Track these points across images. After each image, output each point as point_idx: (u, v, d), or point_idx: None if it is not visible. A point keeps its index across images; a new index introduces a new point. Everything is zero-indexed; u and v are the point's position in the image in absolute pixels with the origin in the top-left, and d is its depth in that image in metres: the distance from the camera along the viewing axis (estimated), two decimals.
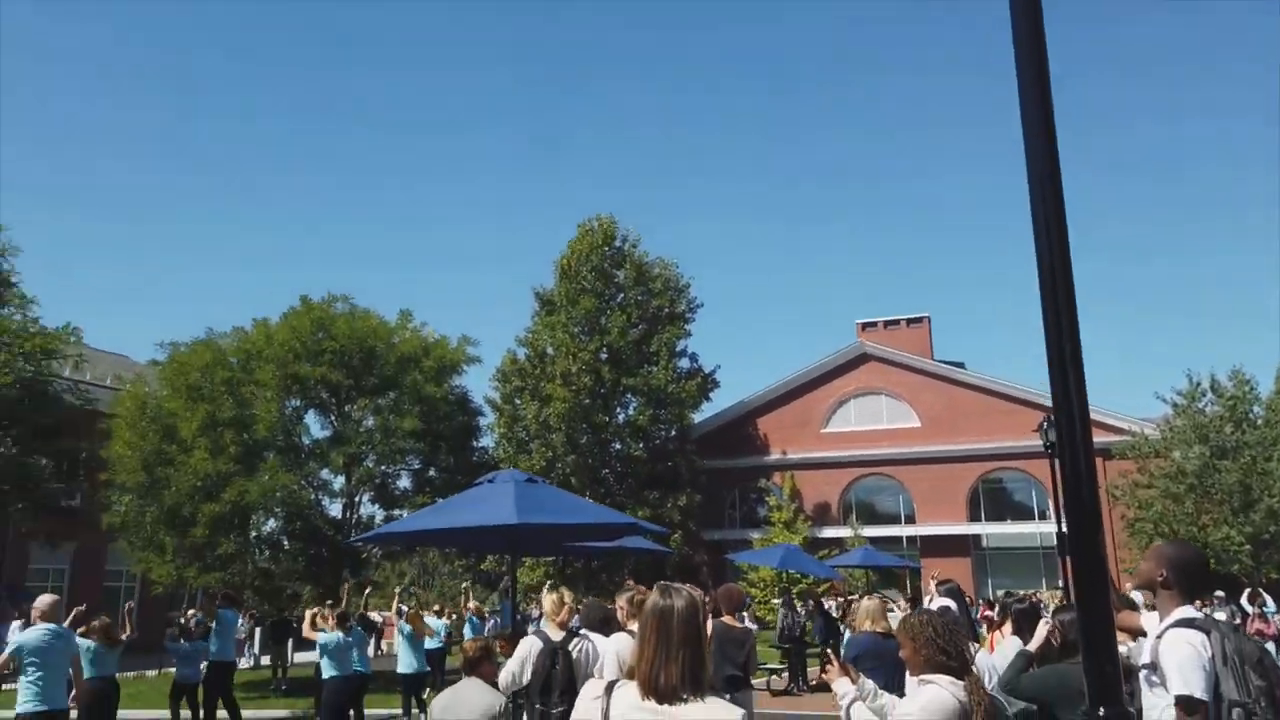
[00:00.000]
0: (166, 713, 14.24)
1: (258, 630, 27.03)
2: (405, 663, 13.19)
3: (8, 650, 7.64)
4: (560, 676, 5.45)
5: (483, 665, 6.01)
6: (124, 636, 10.23)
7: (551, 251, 48.29)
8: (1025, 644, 5.33)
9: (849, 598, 25.69)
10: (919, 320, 37.59)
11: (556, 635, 5.67)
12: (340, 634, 10.61)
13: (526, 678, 5.56)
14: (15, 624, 20.81)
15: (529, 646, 5.65)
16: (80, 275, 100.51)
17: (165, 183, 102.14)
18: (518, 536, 7.16)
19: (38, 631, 7.69)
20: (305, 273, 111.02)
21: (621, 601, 5.81)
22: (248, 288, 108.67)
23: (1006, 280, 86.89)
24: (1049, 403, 2.97)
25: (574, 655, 5.57)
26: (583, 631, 5.92)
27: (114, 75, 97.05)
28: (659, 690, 2.43)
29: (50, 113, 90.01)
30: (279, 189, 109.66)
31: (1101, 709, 2.72)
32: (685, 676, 2.44)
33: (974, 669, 3.52)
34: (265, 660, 25.29)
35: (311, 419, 21.17)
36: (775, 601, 21.00)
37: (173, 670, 13.52)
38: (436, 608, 21.88)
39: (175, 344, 20.20)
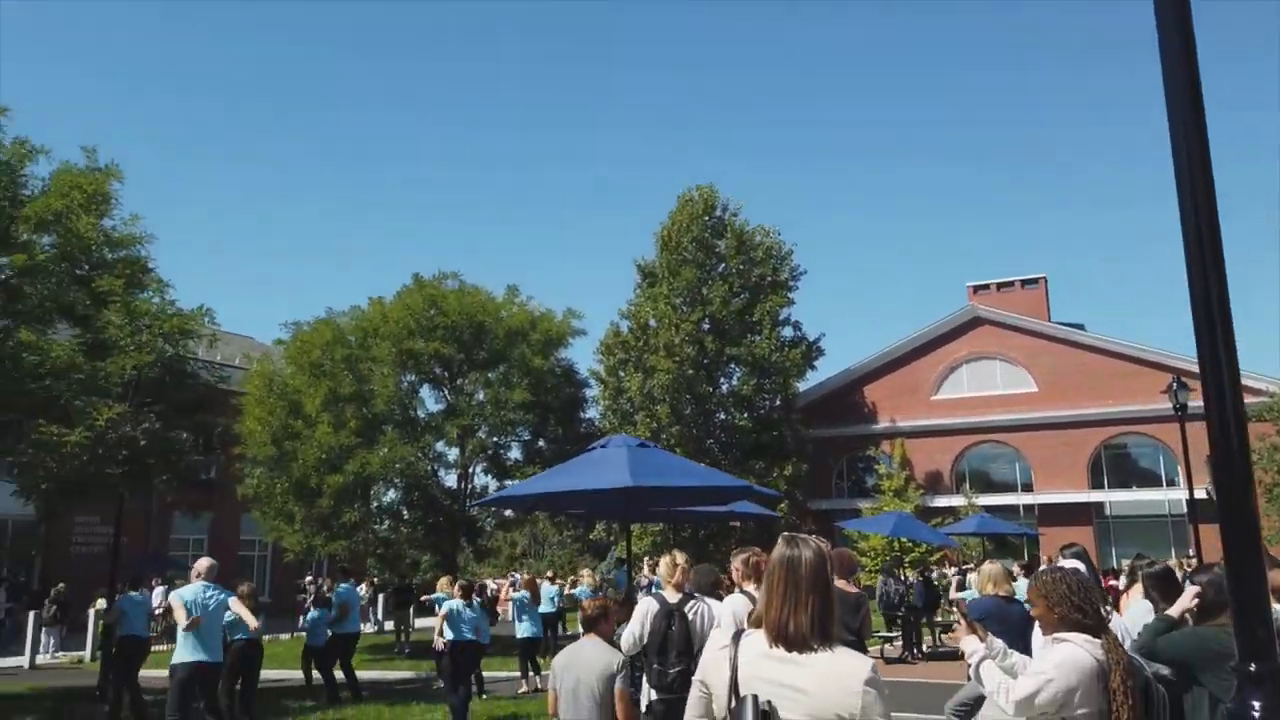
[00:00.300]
0: (299, 672, 15.15)
1: (380, 596, 28.26)
2: (523, 627, 13.68)
3: (175, 604, 8.20)
4: (677, 637, 5.51)
5: (601, 624, 6.14)
6: None
7: (653, 223, 48.26)
8: (1157, 608, 5.12)
9: (963, 566, 25.14)
10: (1034, 281, 36.15)
11: (673, 597, 5.73)
12: (463, 604, 11.08)
13: (645, 638, 5.64)
14: (158, 590, 22.38)
15: (646, 608, 5.74)
16: (208, 262, 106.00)
17: (284, 170, 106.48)
18: (631, 500, 7.25)
19: (195, 588, 8.25)
20: (416, 251, 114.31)
21: (737, 563, 5.83)
22: (363, 268, 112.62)
23: (1128, 237, 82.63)
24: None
25: (690, 617, 5.62)
26: (698, 594, 5.96)
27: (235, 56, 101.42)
28: (788, 638, 2.43)
29: (173, 104, 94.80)
30: (388, 168, 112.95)
31: (1253, 664, 2.61)
32: (814, 625, 2.43)
33: (1110, 628, 3.40)
34: (388, 625, 26.48)
35: (426, 393, 21.88)
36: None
37: (304, 634, 14.33)
38: (550, 574, 22.49)
39: (298, 323, 21.20)
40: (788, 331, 32.82)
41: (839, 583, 7.38)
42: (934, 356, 35.21)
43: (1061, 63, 79.58)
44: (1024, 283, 36.20)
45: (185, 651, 8.09)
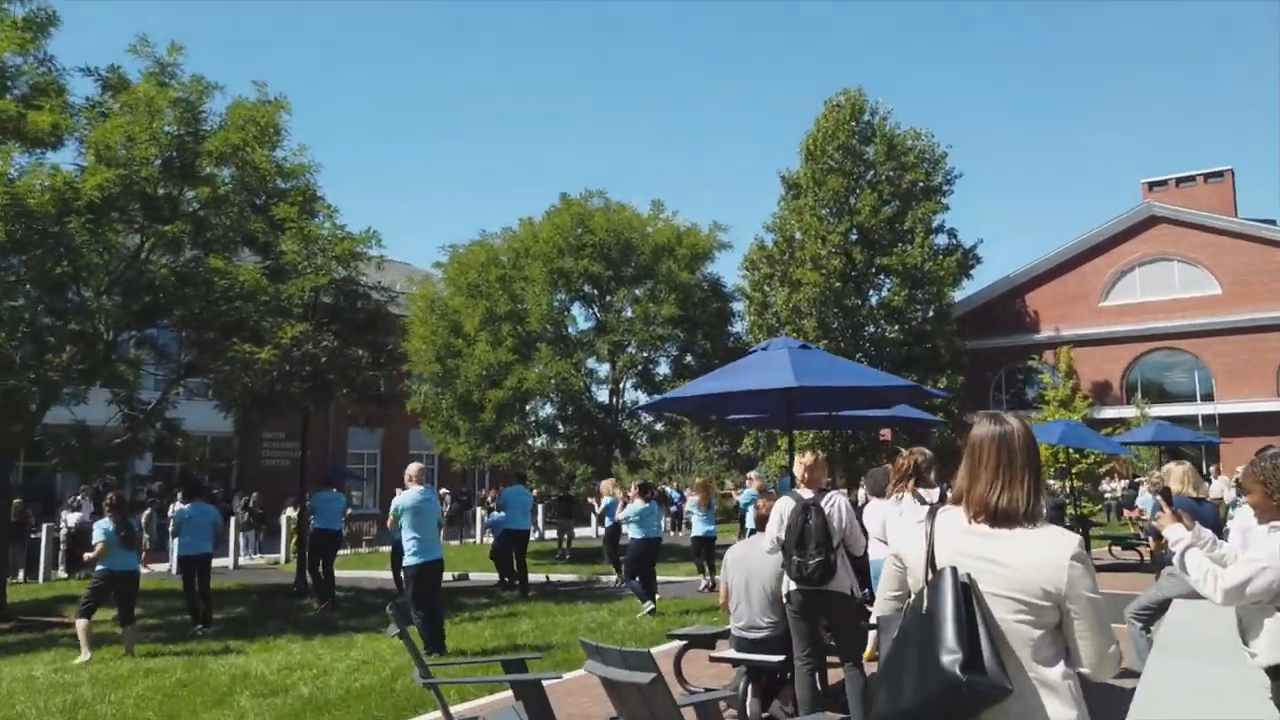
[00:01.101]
0: (480, 573, 16.16)
1: (540, 507, 29.61)
2: (697, 529, 14.40)
3: (392, 511, 8.89)
4: (814, 530, 5.56)
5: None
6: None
7: (799, 134, 46.88)
8: None
9: (1134, 479, 23.91)
10: (1219, 175, 33.14)
11: (807, 494, 5.78)
12: (643, 502, 11.67)
13: (783, 534, 5.73)
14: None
15: (783, 507, 5.83)
16: (366, 192, 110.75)
17: (440, 101, 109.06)
18: (792, 403, 7.20)
19: (413, 494, 8.82)
20: (561, 172, 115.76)
21: (904, 462, 5.73)
22: (512, 191, 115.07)
23: None
24: None
25: (826, 510, 5.66)
26: (832, 491, 5.99)
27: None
28: (994, 513, 2.38)
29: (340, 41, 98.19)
30: (536, 91, 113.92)
31: None
32: (1026, 501, 2.37)
33: None
34: (549, 534, 27.79)
35: (577, 311, 22.36)
36: (1052, 482, 19.94)
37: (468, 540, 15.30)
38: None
39: (454, 246, 22.01)
40: (941, 239, 31.44)
41: None
42: (1104, 260, 33.01)
43: None
44: (1207, 177, 33.26)
45: (413, 554, 8.71)
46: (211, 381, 13.69)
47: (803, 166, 32.02)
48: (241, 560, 21.93)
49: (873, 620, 6.11)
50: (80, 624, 9.48)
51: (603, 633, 10.43)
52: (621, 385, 22.30)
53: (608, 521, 15.88)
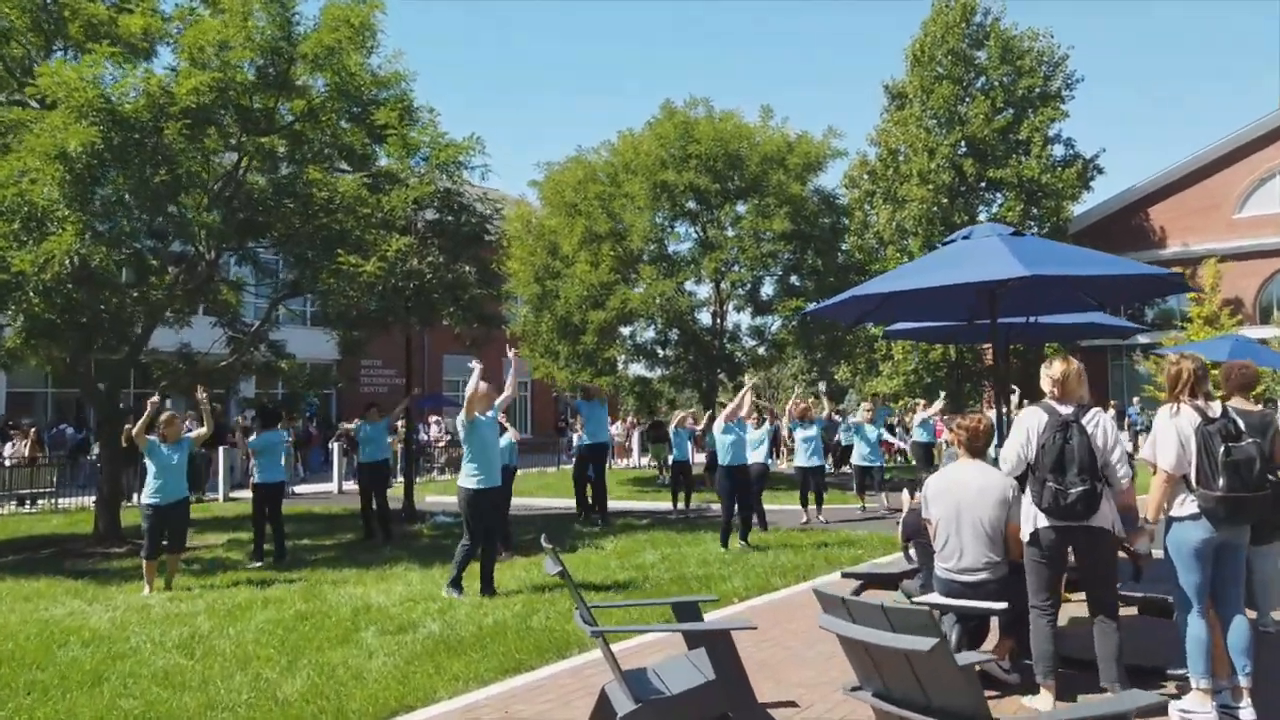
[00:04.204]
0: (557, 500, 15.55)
1: (635, 432, 29.09)
2: (801, 458, 13.62)
3: (461, 423, 8.32)
4: (1076, 452, 4.52)
5: (982, 444, 5.28)
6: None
7: (904, 38, 44.15)
8: None
9: None
10: None
11: (1065, 408, 4.71)
12: (755, 428, 10.74)
13: (1032, 454, 4.69)
14: (435, 424, 24.05)
15: (1033, 420, 4.75)
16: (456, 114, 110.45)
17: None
18: (993, 305, 6.02)
19: (481, 417, 8.20)
20: (658, 83, 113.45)
21: (1174, 366, 4.64)
22: (611, 106, 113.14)
23: None
24: None
25: (1089, 429, 4.61)
26: (1095, 407, 4.90)
27: None
28: None
29: None
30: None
31: None
32: None
33: None
34: (643, 461, 27.30)
35: (680, 228, 21.20)
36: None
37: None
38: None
39: (550, 164, 21.04)
40: (1059, 150, 29.25)
41: (1238, 400, 6.02)
42: (1238, 169, 30.33)
43: None
44: None
45: (469, 478, 8.24)
46: (314, 300, 13.19)
47: (909, 74, 30.09)
48: (345, 485, 22.00)
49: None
50: (146, 564, 9.18)
51: (737, 565, 9.67)
52: (725, 307, 21.22)
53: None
